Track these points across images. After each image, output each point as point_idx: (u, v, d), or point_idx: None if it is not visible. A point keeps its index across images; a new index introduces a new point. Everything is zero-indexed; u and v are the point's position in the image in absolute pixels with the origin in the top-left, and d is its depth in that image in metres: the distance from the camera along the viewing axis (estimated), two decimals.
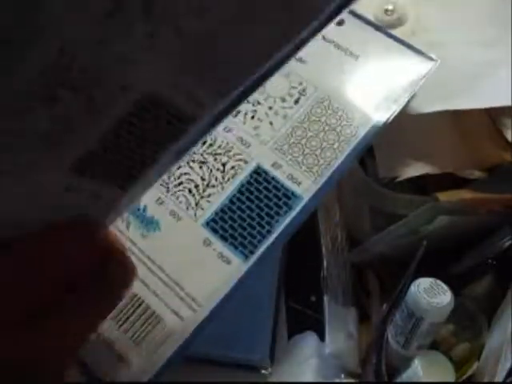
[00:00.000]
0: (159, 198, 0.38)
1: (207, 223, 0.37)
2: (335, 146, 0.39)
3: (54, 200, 0.25)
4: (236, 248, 0.36)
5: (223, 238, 0.36)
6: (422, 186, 0.48)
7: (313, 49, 0.42)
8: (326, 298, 0.49)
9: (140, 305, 0.35)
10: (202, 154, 0.39)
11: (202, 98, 0.23)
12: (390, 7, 0.44)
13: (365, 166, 0.49)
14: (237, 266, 0.36)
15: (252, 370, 0.45)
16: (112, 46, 0.18)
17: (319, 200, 0.37)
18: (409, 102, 0.41)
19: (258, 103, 0.41)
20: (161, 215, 0.37)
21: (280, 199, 0.37)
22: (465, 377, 0.44)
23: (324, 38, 0.43)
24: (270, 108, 0.40)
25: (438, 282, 0.42)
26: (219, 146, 0.39)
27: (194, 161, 0.39)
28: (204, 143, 0.39)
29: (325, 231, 0.51)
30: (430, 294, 0.41)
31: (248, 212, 0.37)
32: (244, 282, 0.35)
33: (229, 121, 0.40)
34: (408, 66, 0.42)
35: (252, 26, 0.20)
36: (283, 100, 0.41)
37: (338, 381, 0.45)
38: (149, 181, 0.24)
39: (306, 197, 0.37)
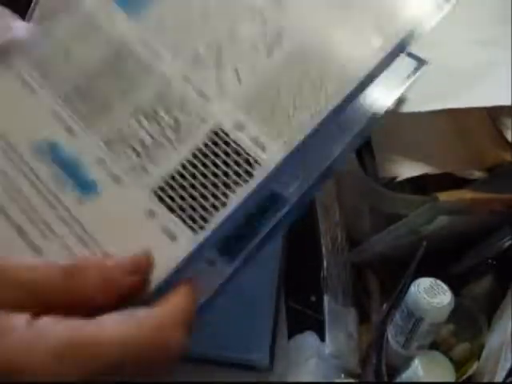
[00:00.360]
0: (99, 156, 0.32)
1: (153, 191, 0.31)
2: (312, 107, 0.32)
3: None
4: (184, 222, 0.30)
5: (170, 209, 0.31)
6: (422, 186, 0.48)
7: None
8: (326, 298, 0.49)
9: None
10: (152, 106, 0.33)
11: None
12: None
13: (365, 166, 0.49)
14: (184, 243, 0.30)
15: (252, 370, 0.46)
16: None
17: (288, 170, 0.31)
18: (399, 101, 0.40)
19: (223, 48, 0.34)
20: (100, 177, 0.32)
21: (240, 166, 0.31)
22: (465, 377, 0.44)
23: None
24: (238, 56, 0.34)
25: (438, 281, 0.42)
26: (174, 98, 0.33)
27: (141, 113, 0.33)
28: (156, 94, 0.33)
29: (325, 231, 0.51)
30: (430, 294, 0.41)
31: (201, 179, 0.31)
32: (193, 262, 0.30)
33: (188, 69, 0.34)
34: (398, 68, 0.40)
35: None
36: (255, 49, 0.34)
37: (338, 381, 0.45)
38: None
39: (272, 164, 0.31)
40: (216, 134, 0.32)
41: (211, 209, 0.30)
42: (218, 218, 0.30)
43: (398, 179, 0.46)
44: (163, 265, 0.29)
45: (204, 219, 0.30)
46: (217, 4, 0.35)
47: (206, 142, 0.32)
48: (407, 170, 0.46)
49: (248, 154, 0.31)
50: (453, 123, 0.48)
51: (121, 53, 0.35)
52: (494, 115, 0.47)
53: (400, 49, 0.34)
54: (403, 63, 0.38)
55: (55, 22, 0.37)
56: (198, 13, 0.35)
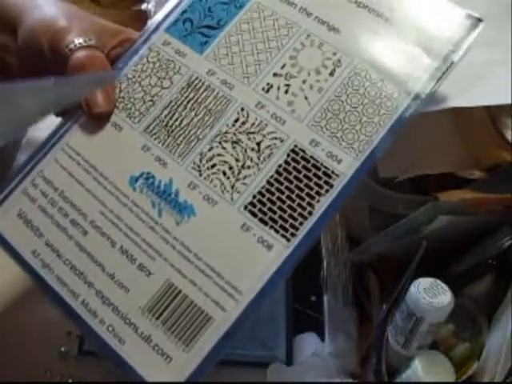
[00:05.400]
0: (191, 182, 0.36)
1: (245, 207, 0.35)
2: (375, 120, 0.36)
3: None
4: (277, 232, 0.34)
5: (263, 222, 0.34)
6: (422, 186, 0.48)
7: (345, 16, 0.39)
8: (326, 298, 0.49)
9: (177, 295, 0.34)
10: (234, 133, 0.37)
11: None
12: None
13: None
14: (279, 251, 0.34)
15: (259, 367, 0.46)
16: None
17: (361, 177, 0.35)
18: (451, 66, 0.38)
19: (291, 77, 0.38)
20: (195, 200, 0.36)
21: (320, 178, 0.35)
22: (465, 377, 0.44)
23: (356, 2, 0.40)
24: (304, 81, 0.38)
25: (438, 281, 0.42)
26: (252, 124, 0.37)
27: (226, 141, 0.37)
28: (236, 121, 0.37)
29: (325, 231, 0.51)
30: (430, 294, 0.41)
31: (287, 193, 0.35)
32: (287, 267, 0.33)
33: (261, 96, 0.38)
34: (445, 21, 0.39)
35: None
36: (318, 72, 0.38)
37: (338, 381, 0.45)
38: None
39: (348, 174, 0.35)
40: (294, 151, 0.36)
41: (300, 218, 0.34)
42: (306, 226, 0.34)
43: (398, 179, 0.46)
44: (262, 272, 0.33)
45: (295, 228, 0.34)
46: (276, 35, 0.39)
47: (287, 159, 0.36)
48: (407, 169, 0.46)
49: (326, 167, 0.35)
50: (453, 123, 0.48)
51: (193, 84, 0.39)
52: (493, 115, 0.47)
53: (445, 64, 0.38)
54: (452, 16, 0.39)
55: (125, 64, 0.41)
56: (260, 46, 0.39)
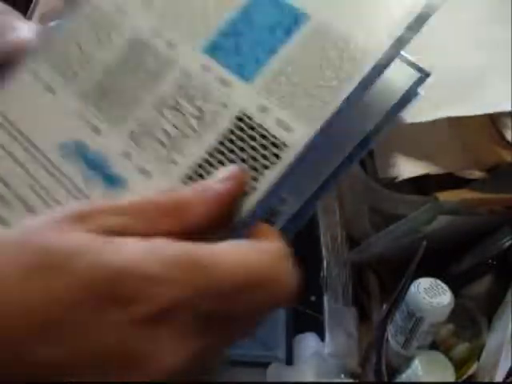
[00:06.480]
0: (125, 151, 0.33)
1: (182, 180, 0.31)
2: (334, 84, 0.31)
3: None
4: None
5: None
6: (422, 186, 0.48)
7: None
8: (326, 298, 0.49)
9: None
10: (175, 99, 0.33)
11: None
12: None
13: (365, 166, 0.49)
14: None
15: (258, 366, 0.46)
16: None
17: (315, 149, 0.30)
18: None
19: (240, 34, 0.34)
20: (127, 170, 0.32)
21: (267, 149, 0.30)
22: (465, 377, 0.44)
23: None
24: (256, 41, 0.33)
25: (438, 281, 0.42)
26: (195, 88, 0.33)
27: (165, 106, 0.33)
28: (177, 85, 0.33)
29: (325, 231, 0.51)
30: (430, 294, 0.41)
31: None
32: None
33: (206, 58, 0.34)
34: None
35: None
36: (272, 31, 0.34)
37: (338, 381, 0.45)
38: None
39: (299, 146, 0.30)
40: (240, 119, 0.32)
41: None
42: (249, 204, 0.29)
43: (398, 179, 0.46)
44: None
45: None
46: None
47: (231, 128, 0.31)
48: (407, 169, 0.46)
49: (274, 136, 0.31)
50: (453, 123, 0.48)
51: (135, 45, 0.36)
52: (493, 115, 0.47)
53: (419, 22, 0.32)
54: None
55: (64, 20, 0.37)
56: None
